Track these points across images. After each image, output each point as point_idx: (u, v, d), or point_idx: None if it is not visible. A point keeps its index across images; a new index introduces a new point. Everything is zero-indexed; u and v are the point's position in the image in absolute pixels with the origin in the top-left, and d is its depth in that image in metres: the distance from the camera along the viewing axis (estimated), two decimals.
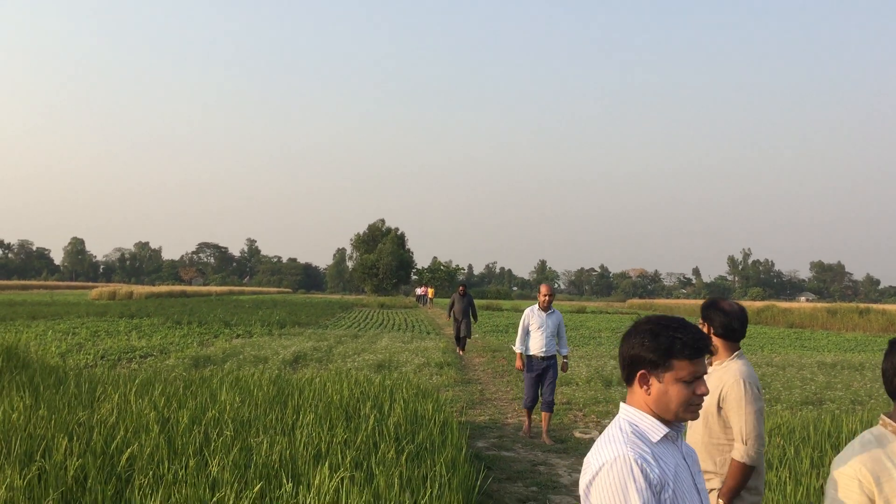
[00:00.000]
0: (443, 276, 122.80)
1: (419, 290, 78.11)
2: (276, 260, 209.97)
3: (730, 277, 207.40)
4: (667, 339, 2.23)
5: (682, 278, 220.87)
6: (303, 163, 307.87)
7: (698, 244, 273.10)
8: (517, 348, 9.82)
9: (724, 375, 3.80)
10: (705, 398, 3.42)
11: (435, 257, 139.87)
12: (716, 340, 3.89)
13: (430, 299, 69.46)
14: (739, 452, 3.66)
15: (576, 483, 7.70)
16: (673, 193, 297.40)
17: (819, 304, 59.90)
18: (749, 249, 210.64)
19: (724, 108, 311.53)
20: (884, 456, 2.36)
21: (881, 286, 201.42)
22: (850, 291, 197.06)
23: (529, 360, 9.77)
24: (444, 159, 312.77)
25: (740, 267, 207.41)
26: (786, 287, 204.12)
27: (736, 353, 3.92)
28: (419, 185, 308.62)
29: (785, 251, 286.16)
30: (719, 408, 3.79)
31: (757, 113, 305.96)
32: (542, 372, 9.76)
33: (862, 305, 52.82)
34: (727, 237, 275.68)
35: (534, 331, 9.73)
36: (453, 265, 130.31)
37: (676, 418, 2.25)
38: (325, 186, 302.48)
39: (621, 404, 2.33)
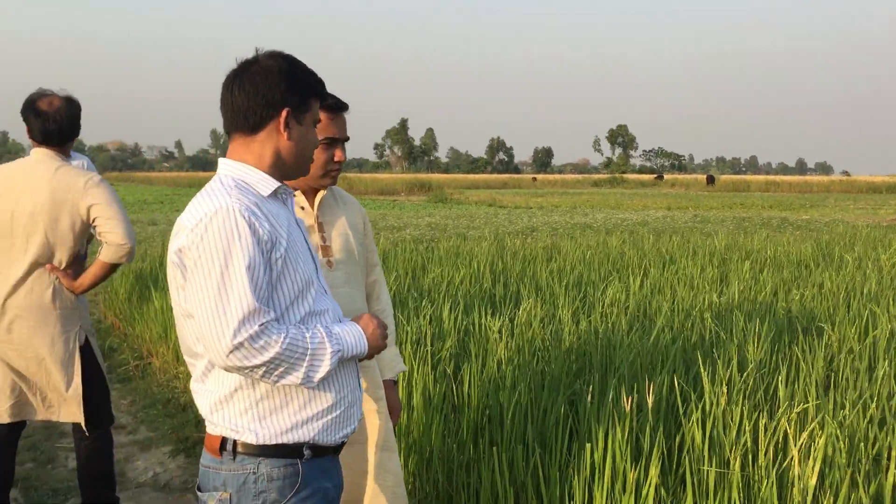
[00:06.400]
0: None
1: None
2: None
3: (212, 150, 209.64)
4: (308, 75, 1.94)
5: (164, 152, 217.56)
6: None
7: (180, 116, 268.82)
8: None
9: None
10: None
11: None
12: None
13: None
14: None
15: None
16: (150, 61, 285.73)
17: None
18: None
19: None
20: None
21: None
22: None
23: None
24: None
25: (222, 141, 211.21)
26: None
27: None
28: None
29: None
30: None
31: None
32: None
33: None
34: (212, 109, 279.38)
35: None
36: None
37: (300, 169, 1.99)
38: None
39: (220, 160, 1.97)
